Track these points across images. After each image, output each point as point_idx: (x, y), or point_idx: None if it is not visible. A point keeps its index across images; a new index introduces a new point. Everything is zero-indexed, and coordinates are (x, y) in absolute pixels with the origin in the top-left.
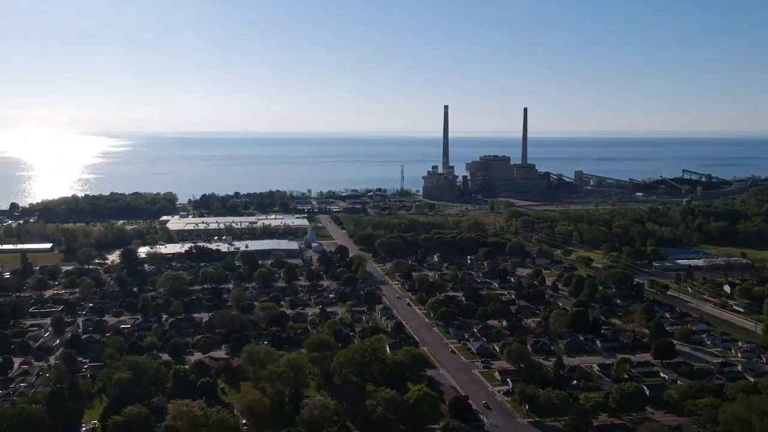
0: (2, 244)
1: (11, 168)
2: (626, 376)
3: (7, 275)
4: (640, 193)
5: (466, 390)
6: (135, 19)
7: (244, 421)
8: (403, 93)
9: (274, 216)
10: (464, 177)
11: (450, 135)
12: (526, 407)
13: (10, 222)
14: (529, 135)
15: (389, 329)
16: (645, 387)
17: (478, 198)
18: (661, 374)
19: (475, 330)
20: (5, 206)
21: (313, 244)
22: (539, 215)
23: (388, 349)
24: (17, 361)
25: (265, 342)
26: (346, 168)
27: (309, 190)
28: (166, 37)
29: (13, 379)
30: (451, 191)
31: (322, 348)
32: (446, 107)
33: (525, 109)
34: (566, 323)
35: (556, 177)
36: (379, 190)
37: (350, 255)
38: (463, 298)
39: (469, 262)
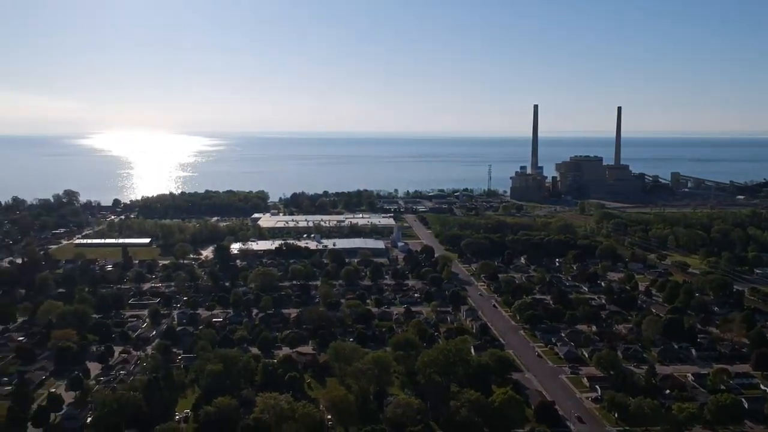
0: (105, 238)
1: (115, 166)
2: (723, 388)
3: (109, 268)
4: (742, 196)
5: (552, 395)
6: (229, 22)
7: (329, 417)
8: (492, 92)
9: (361, 215)
10: (553, 178)
11: (539, 135)
12: (616, 416)
13: (112, 217)
14: (622, 135)
15: (474, 331)
16: (743, 399)
17: (568, 199)
18: (762, 387)
19: (563, 334)
20: (109, 202)
21: (399, 244)
22: (632, 218)
23: (473, 350)
24: (117, 349)
25: (351, 339)
26: (433, 168)
27: (396, 190)
28: (260, 38)
29: (113, 367)
30: (540, 192)
31: (406, 347)
32: (536, 106)
33: (619, 108)
34: (660, 330)
35: (651, 178)
36: (465, 190)
37: (436, 255)
38: (551, 302)
39: (557, 264)
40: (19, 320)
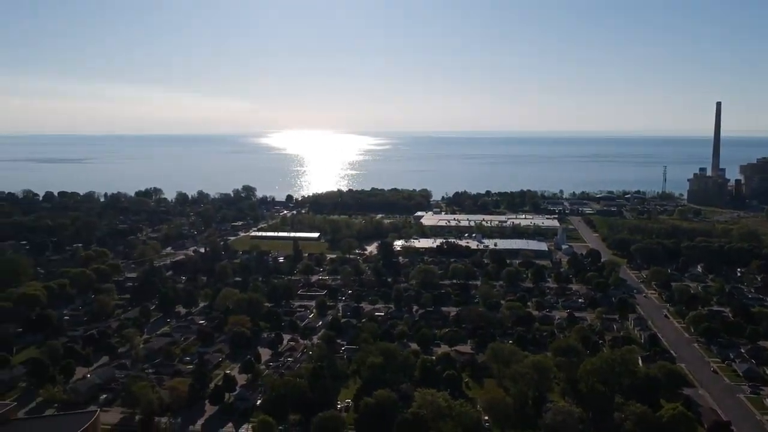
0: (278, 231)
1: (288, 164)
2: None
3: (281, 260)
4: None
5: (728, 415)
6: (391, 23)
7: (486, 418)
8: (666, 89)
9: (524, 216)
10: (737, 181)
11: (722, 134)
12: None
13: (285, 212)
14: None
15: (642, 341)
16: None
17: (753, 204)
18: None
19: (743, 350)
20: (282, 198)
21: (563, 246)
22: None
23: (640, 361)
24: (286, 337)
25: (510, 341)
26: (602, 168)
27: (561, 191)
28: (424, 39)
29: (281, 354)
30: (721, 196)
31: (568, 353)
32: (719, 104)
33: None
34: None
35: None
36: (637, 192)
37: (602, 259)
38: (730, 314)
39: (738, 274)
40: (201, 305)
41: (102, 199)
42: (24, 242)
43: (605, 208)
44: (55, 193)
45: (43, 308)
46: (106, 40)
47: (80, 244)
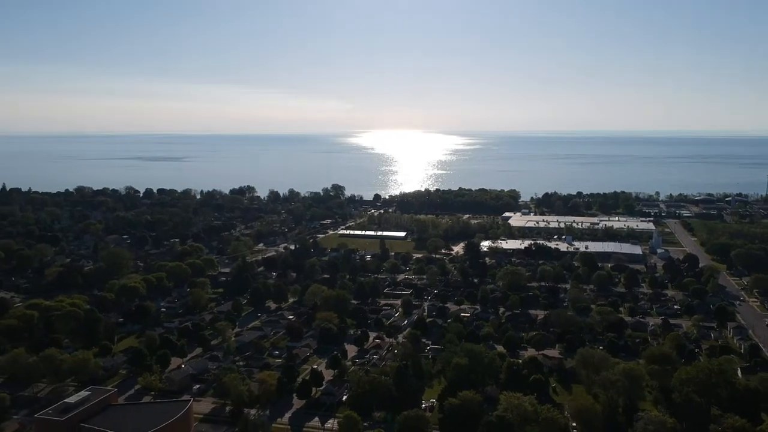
0: (366, 230)
1: (377, 163)
2: None
3: (368, 258)
4: None
5: None
6: (476, 23)
7: (574, 424)
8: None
9: (617, 218)
10: None
11: None
12: None
13: (373, 211)
14: None
15: (742, 351)
16: None
17: None
18: None
19: None
20: (370, 197)
21: (659, 250)
22: None
23: (739, 372)
24: (372, 335)
25: (601, 347)
26: (702, 170)
27: (657, 193)
28: (508, 40)
29: (367, 351)
30: None
31: (662, 361)
32: None
33: None
34: None
35: None
36: (739, 195)
37: (700, 265)
38: None
39: None
40: (290, 300)
41: (198, 197)
42: (125, 236)
43: (704, 211)
44: (155, 190)
45: (142, 300)
46: (206, 43)
47: (177, 239)
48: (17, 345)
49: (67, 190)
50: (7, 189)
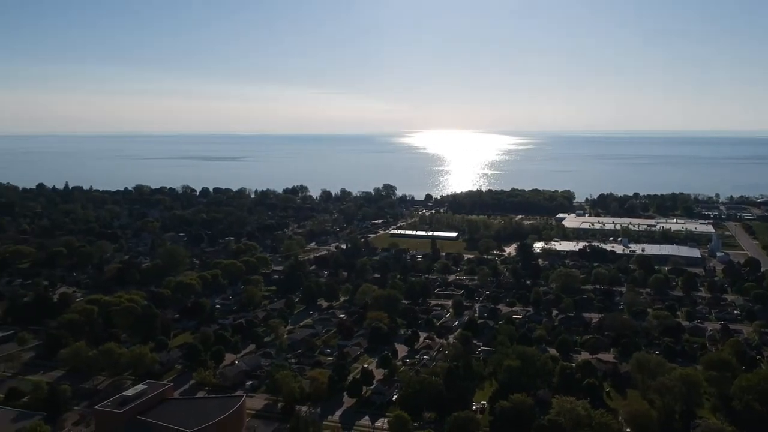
0: (417, 230)
1: (429, 163)
2: None
3: (419, 258)
4: None
5: None
6: (538, 23)
7: (628, 430)
8: None
9: (675, 220)
10: None
11: None
12: None
13: (424, 211)
14: None
15: None
16: None
17: None
18: None
19: None
20: (421, 197)
21: (718, 254)
22: None
23: None
24: (422, 335)
25: (657, 352)
26: (764, 171)
27: (717, 194)
28: (574, 36)
29: (418, 351)
30: None
31: (721, 368)
32: None
33: None
34: None
35: None
36: None
37: (762, 269)
38: None
39: None
40: (341, 299)
41: (252, 196)
42: (182, 234)
43: (767, 213)
44: (211, 189)
45: (197, 297)
46: (263, 44)
47: (232, 238)
48: (78, 338)
49: (126, 188)
50: (70, 187)
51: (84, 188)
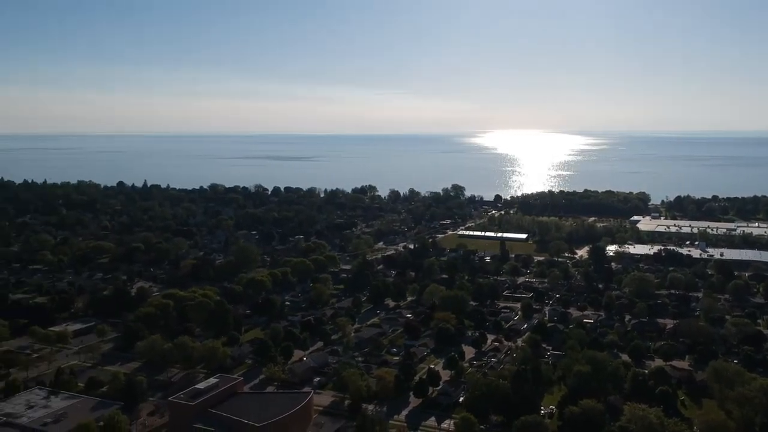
0: (486, 231)
1: (498, 163)
2: None
3: (487, 259)
4: None
5: None
6: (602, 20)
7: None
8: None
9: (756, 224)
10: None
11: None
12: None
13: (493, 212)
14: None
15: None
16: None
17: None
18: None
19: None
20: (491, 198)
21: None
22: None
23: None
24: (490, 337)
25: (735, 361)
26: None
27: None
28: (643, 35)
29: (485, 353)
30: None
31: None
32: None
33: None
34: None
35: None
36: None
37: None
38: None
39: None
40: (409, 299)
41: (322, 195)
42: (254, 232)
43: None
44: (282, 188)
45: (268, 293)
46: (329, 47)
47: (301, 236)
48: (154, 332)
49: (201, 186)
50: (148, 185)
51: (162, 186)
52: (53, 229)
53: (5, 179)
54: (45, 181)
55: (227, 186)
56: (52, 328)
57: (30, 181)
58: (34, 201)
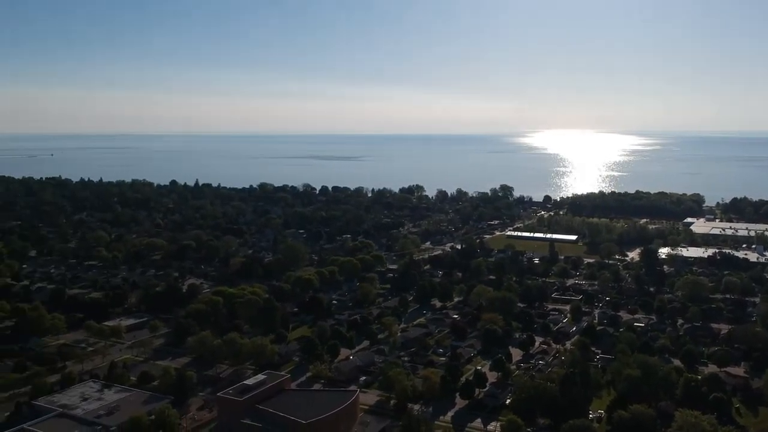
0: (534, 232)
1: (548, 163)
2: None
3: (536, 261)
4: None
5: None
6: (662, 17)
7: None
8: None
9: None
10: None
11: None
12: None
13: (542, 213)
14: None
15: None
16: None
17: None
18: None
19: None
20: (540, 198)
21: None
22: None
23: None
24: (538, 339)
25: None
26: None
27: None
28: (700, 31)
29: (533, 355)
30: None
31: None
32: None
33: None
34: None
35: None
36: None
37: None
38: None
39: None
40: (455, 300)
41: (369, 195)
42: (302, 231)
43: None
44: (329, 188)
45: (315, 292)
46: (380, 47)
47: (349, 235)
48: (204, 328)
49: (251, 186)
50: (200, 184)
51: (213, 185)
52: (108, 226)
53: (63, 177)
54: (101, 180)
55: (276, 185)
56: (106, 323)
57: (87, 180)
58: (90, 199)
